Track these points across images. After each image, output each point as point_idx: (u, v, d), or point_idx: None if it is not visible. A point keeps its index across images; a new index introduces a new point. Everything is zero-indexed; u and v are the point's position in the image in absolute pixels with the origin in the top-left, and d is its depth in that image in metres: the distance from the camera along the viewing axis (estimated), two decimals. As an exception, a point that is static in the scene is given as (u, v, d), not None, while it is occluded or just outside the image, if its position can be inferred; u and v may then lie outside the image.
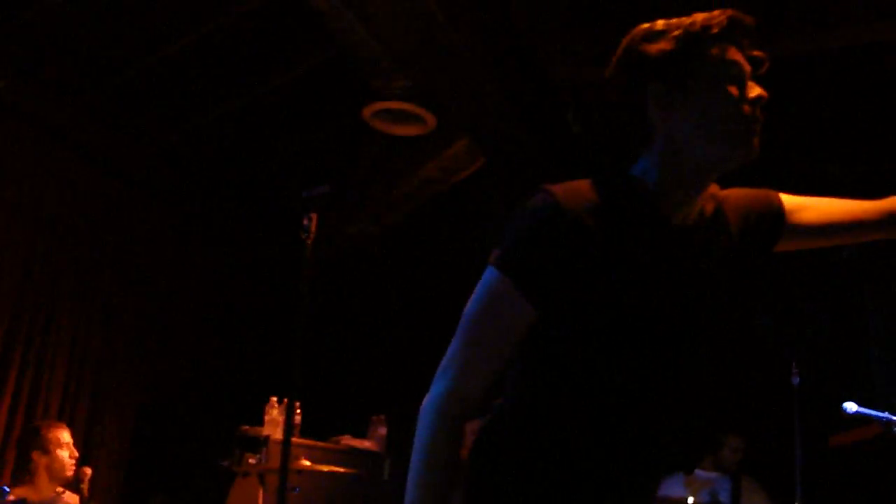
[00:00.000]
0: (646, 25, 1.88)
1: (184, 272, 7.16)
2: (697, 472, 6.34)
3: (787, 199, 1.99)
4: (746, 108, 1.80)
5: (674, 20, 1.85)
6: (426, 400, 1.81)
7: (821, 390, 5.18)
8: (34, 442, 4.92)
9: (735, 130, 1.80)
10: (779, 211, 1.98)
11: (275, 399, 5.46)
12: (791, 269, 6.58)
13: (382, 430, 6.12)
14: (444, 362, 1.83)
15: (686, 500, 5.93)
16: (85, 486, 4.87)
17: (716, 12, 1.83)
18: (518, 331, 1.81)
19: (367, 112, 5.75)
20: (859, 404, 3.98)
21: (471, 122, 5.81)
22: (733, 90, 1.80)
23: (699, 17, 1.83)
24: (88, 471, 4.94)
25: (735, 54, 1.83)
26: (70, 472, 4.92)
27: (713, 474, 6.27)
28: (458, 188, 6.59)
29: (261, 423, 5.38)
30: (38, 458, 4.86)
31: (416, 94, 5.59)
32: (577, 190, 1.82)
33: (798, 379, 5.17)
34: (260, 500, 5.00)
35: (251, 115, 6.18)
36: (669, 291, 1.83)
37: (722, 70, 1.80)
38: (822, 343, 6.12)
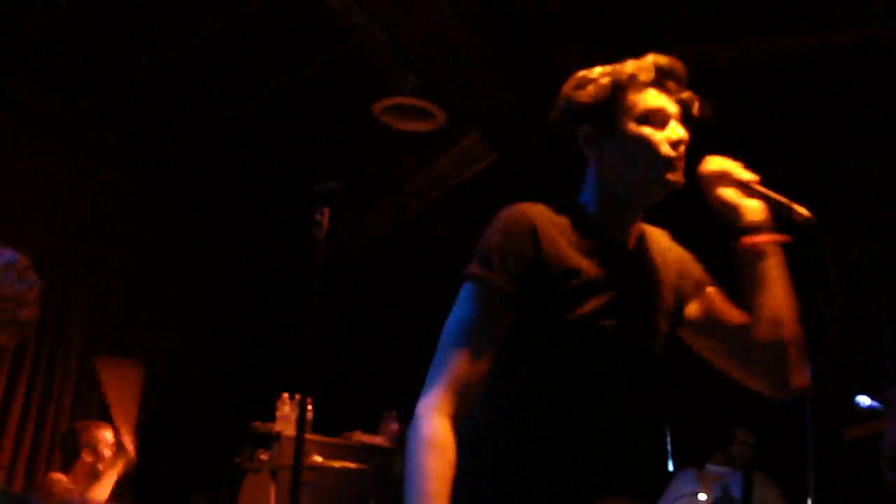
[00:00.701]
0: (583, 72, 2.12)
1: (195, 269, 7.17)
2: (709, 466, 6.33)
3: (715, 292, 2.18)
4: (665, 149, 2.01)
5: (608, 67, 2.08)
6: (418, 411, 1.88)
7: (834, 384, 5.16)
8: (81, 441, 5.01)
9: (652, 170, 2.02)
10: (701, 281, 2.18)
11: (286, 395, 5.46)
12: (801, 262, 6.57)
13: (394, 426, 6.12)
14: (431, 374, 1.92)
15: (697, 495, 5.92)
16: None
17: (646, 60, 2.06)
18: (500, 338, 1.94)
19: (377, 108, 5.74)
20: (872, 398, 3.97)
21: (481, 118, 5.80)
22: (653, 133, 2.02)
23: (630, 64, 2.06)
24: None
25: (658, 99, 2.04)
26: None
27: (724, 469, 6.26)
28: (469, 184, 6.58)
29: (272, 419, 5.39)
30: (86, 457, 4.95)
31: (426, 89, 5.58)
32: (539, 208, 2.03)
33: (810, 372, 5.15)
34: (272, 496, 5.01)
35: (262, 112, 6.17)
36: (622, 303, 2.02)
37: (643, 115, 2.03)
38: (835, 336, 6.10)
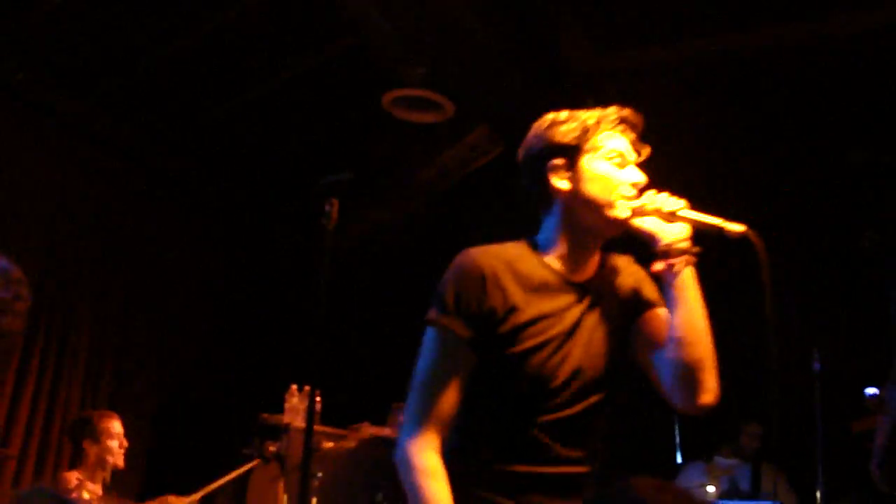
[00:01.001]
0: (552, 115, 2.37)
1: (204, 260, 7.18)
2: (717, 459, 6.32)
3: (657, 312, 2.32)
4: (624, 188, 2.25)
5: (578, 111, 2.32)
6: (403, 450, 2.18)
7: (842, 376, 5.15)
8: (85, 431, 4.99)
9: (610, 206, 2.24)
10: (648, 302, 2.34)
11: (295, 387, 5.46)
12: (812, 253, 6.55)
13: (402, 418, 6.11)
14: (408, 415, 2.22)
15: (706, 487, 5.92)
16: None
17: (611, 110, 2.30)
18: (465, 375, 2.19)
19: (385, 100, 5.74)
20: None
21: (489, 109, 5.80)
22: (613, 173, 2.26)
23: (596, 111, 2.30)
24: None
25: (620, 143, 2.29)
26: (120, 461, 5.02)
27: (733, 461, 6.26)
28: (477, 175, 6.57)
29: (281, 411, 5.39)
30: (89, 447, 4.94)
31: (434, 81, 5.58)
32: (492, 252, 2.25)
33: (819, 364, 5.14)
34: (281, 487, 5.02)
35: (270, 103, 6.17)
36: (568, 335, 2.22)
37: (607, 154, 2.27)
38: (844, 328, 6.09)
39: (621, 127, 2.31)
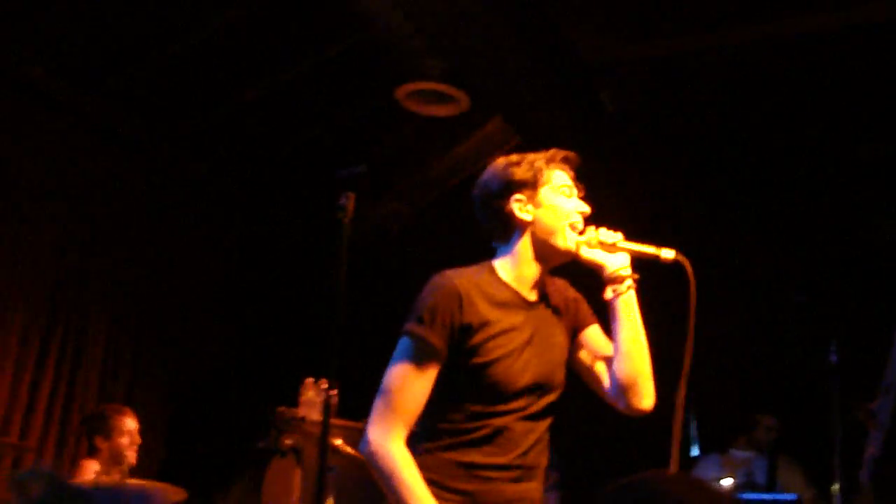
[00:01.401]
0: (504, 158, 2.78)
1: (219, 255, 7.19)
2: (733, 451, 6.31)
3: (594, 328, 2.79)
4: (573, 217, 2.69)
5: (529, 154, 2.75)
6: (376, 443, 2.52)
7: (859, 368, 5.13)
8: (98, 426, 4.99)
9: (562, 234, 2.68)
10: (586, 320, 2.79)
11: (310, 380, 5.47)
12: (827, 246, 6.52)
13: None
14: (378, 413, 2.55)
15: (722, 480, 5.91)
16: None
17: (554, 151, 2.75)
18: (430, 380, 2.53)
19: (400, 93, 5.73)
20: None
21: (504, 102, 5.78)
22: (563, 204, 2.70)
23: (542, 153, 2.73)
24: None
25: (565, 179, 2.74)
26: (131, 459, 4.99)
27: (749, 454, 6.25)
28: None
29: (296, 404, 5.40)
30: (100, 443, 4.93)
31: (449, 74, 5.57)
32: (462, 273, 2.63)
33: (836, 357, 5.12)
34: (297, 481, 5.03)
35: (284, 97, 6.17)
36: (526, 345, 2.61)
37: (556, 189, 2.70)
38: (861, 320, 6.06)
39: (564, 165, 2.75)
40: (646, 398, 2.64)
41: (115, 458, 4.93)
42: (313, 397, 5.33)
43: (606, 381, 2.67)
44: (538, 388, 2.62)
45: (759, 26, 5.27)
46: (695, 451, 6.20)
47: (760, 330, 6.59)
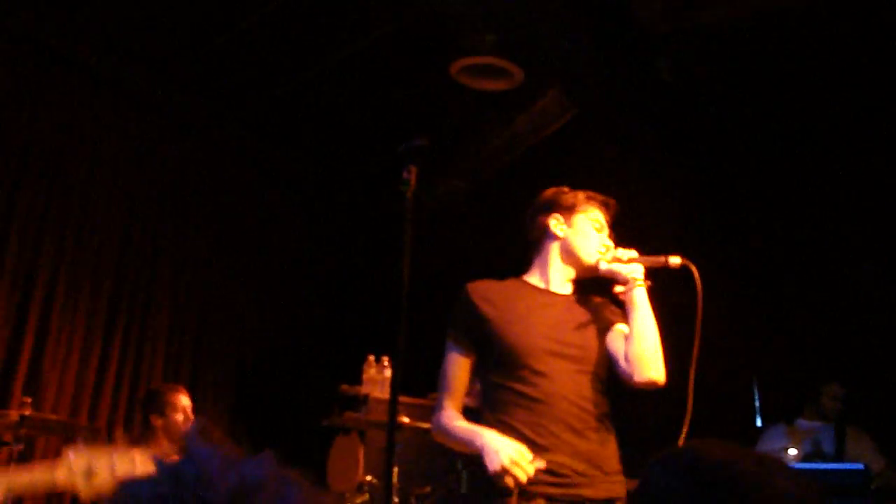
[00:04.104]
0: (555, 189, 3.38)
1: (282, 231, 7.24)
2: (799, 421, 6.23)
3: (619, 325, 3.24)
4: (598, 246, 3.27)
5: (576, 190, 3.35)
6: (437, 420, 3.23)
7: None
8: (152, 405, 5.04)
9: (589, 258, 3.27)
10: (612, 319, 3.26)
11: (372, 357, 5.49)
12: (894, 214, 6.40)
13: (478, 386, 6.11)
14: (438, 397, 3.26)
15: (788, 450, 5.84)
16: None
17: (597, 194, 3.34)
18: (466, 366, 3.24)
19: (454, 68, 5.71)
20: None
21: (561, 73, 5.74)
22: (593, 234, 3.29)
23: (585, 192, 3.34)
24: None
25: (601, 216, 3.32)
26: None
27: (816, 423, 6.15)
28: (548, 141, 6.51)
29: (359, 382, 5.43)
30: (155, 421, 4.99)
31: (503, 47, 5.53)
32: (485, 282, 3.28)
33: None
34: (360, 457, 5.06)
35: (341, 74, 6.18)
36: (551, 328, 3.15)
37: (591, 219, 3.30)
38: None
39: (604, 207, 3.33)
40: (654, 370, 3.08)
41: (171, 436, 4.98)
42: (375, 375, 5.36)
43: (622, 360, 3.13)
44: (558, 354, 3.10)
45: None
46: (758, 422, 6.13)
47: (827, 298, 6.49)
